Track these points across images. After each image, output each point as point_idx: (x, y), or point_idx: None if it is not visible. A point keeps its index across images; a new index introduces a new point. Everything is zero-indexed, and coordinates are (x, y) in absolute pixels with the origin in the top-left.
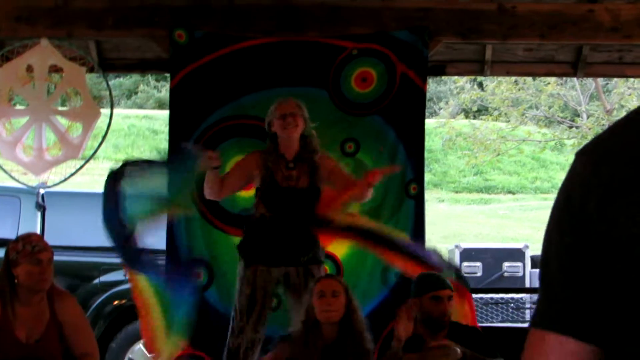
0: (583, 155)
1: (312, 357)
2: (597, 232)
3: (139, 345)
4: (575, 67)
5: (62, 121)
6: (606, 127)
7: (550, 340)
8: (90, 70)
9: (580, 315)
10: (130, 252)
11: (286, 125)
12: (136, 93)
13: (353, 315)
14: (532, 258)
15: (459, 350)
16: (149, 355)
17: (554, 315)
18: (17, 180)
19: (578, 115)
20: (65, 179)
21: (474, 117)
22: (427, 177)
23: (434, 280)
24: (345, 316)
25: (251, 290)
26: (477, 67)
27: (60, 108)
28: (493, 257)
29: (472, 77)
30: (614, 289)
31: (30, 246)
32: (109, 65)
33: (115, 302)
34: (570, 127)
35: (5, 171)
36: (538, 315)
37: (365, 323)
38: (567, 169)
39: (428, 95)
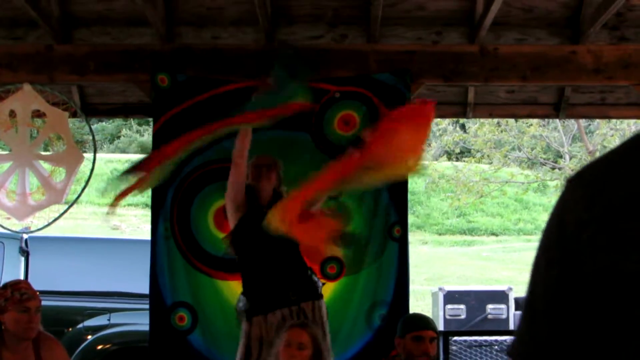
0: (577, 183)
1: None
2: (589, 264)
3: None
4: (557, 108)
5: (45, 166)
6: (597, 155)
7: None
8: (73, 115)
9: (564, 355)
10: None
11: (258, 174)
12: (119, 137)
13: None
14: (516, 300)
15: None
16: None
17: (535, 353)
18: (1, 226)
19: (561, 157)
20: (49, 224)
21: (457, 159)
22: (410, 219)
23: (417, 321)
24: None
25: (246, 344)
26: (459, 109)
27: (43, 153)
28: (477, 300)
29: (455, 119)
30: (602, 325)
31: (18, 293)
32: (91, 110)
33: (100, 347)
34: (553, 169)
35: None
36: (519, 348)
37: None
38: (550, 210)
39: None
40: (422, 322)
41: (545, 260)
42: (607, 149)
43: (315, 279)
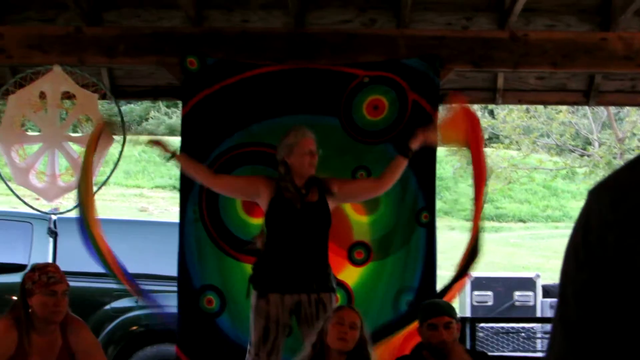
0: (602, 189)
1: None
2: (616, 266)
3: None
4: (587, 95)
5: (75, 147)
6: (618, 155)
7: None
8: (103, 97)
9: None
10: None
11: (311, 163)
12: (147, 119)
13: (364, 351)
14: (544, 287)
15: None
16: None
17: (572, 357)
18: (30, 206)
19: (590, 144)
20: (78, 205)
21: (485, 145)
22: (438, 205)
23: (430, 308)
24: (356, 349)
25: (265, 323)
26: (488, 95)
27: (72, 134)
28: (504, 286)
29: (484, 105)
30: (633, 331)
31: (45, 277)
32: (120, 92)
33: (127, 328)
34: (582, 156)
35: (18, 197)
36: (555, 352)
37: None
38: (578, 197)
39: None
40: (436, 308)
41: (573, 266)
42: (632, 144)
43: (333, 275)
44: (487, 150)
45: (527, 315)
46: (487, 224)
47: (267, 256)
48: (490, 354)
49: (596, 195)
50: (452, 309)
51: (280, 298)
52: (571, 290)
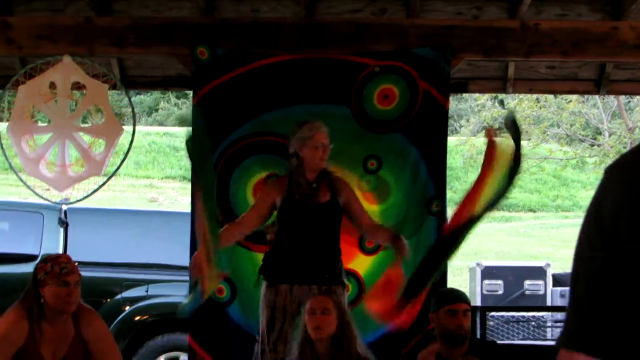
0: (614, 172)
1: None
2: (628, 250)
3: None
4: (598, 84)
5: (85, 138)
6: (628, 145)
7: None
8: (113, 87)
9: (610, 337)
10: None
11: (323, 157)
12: (157, 110)
13: (345, 332)
14: (554, 276)
15: None
16: None
17: (583, 337)
18: (40, 196)
19: (600, 133)
20: (88, 195)
21: (496, 135)
22: (448, 194)
23: (450, 295)
24: (336, 332)
25: (270, 312)
26: (499, 84)
27: (82, 125)
28: (514, 275)
29: (493, 95)
30: None
31: (58, 268)
32: (130, 83)
33: (137, 318)
34: (592, 145)
35: (28, 187)
36: (567, 335)
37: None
38: (588, 187)
39: (449, 113)
40: (455, 295)
41: (586, 248)
42: None
43: (344, 270)
44: (497, 140)
45: (537, 304)
46: (497, 213)
47: (278, 248)
48: (500, 342)
49: (610, 176)
50: (468, 299)
51: (289, 289)
52: (583, 270)
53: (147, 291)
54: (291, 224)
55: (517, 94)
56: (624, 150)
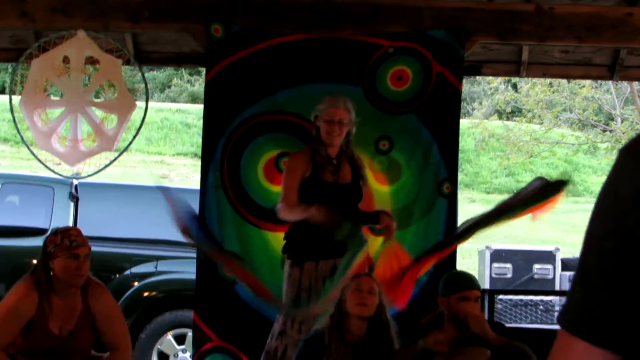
0: (631, 154)
1: (342, 350)
2: None
3: (169, 337)
4: (611, 70)
5: (98, 113)
6: None
7: (579, 349)
8: (126, 62)
9: (619, 328)
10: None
11: (331, 131)
12: (169, 87)
13: (383, 316)
14: (563, 261)
15: (488, 351)
16: (177, 347)
17: (590, 325)
18: (52, 170)
19: (612, 119)
20: (99, 170)
21: (508, 119)
22: (459, 177)
23: (462, 280)
24: (375, 315)
25: (296, 292)
26: (513, 68)
27: (95, 99)
28: (523, 259)
29: (506, 79)
30: None
31: (68, 240)
32: (144, 58)
33: (146, 294)
34: (604, 131)
35: (40, 161)
36: (572, 317)
37: (394, 324)
38: (600, 172)
39: (462, 95)
40: (468, 281)
41: (599, 231)
42: None
43: (365, 238)
44: (509, 124)
45: (546, 288)
46: (507, 197)
47: (300, 225)
48: (508, 325)
49: (625, 159)
50: (479, 284)
51: (314, 266)
52: (595, 255)
53: (156, 267)
54: (313, 197)
55: (530, 78)
56: None
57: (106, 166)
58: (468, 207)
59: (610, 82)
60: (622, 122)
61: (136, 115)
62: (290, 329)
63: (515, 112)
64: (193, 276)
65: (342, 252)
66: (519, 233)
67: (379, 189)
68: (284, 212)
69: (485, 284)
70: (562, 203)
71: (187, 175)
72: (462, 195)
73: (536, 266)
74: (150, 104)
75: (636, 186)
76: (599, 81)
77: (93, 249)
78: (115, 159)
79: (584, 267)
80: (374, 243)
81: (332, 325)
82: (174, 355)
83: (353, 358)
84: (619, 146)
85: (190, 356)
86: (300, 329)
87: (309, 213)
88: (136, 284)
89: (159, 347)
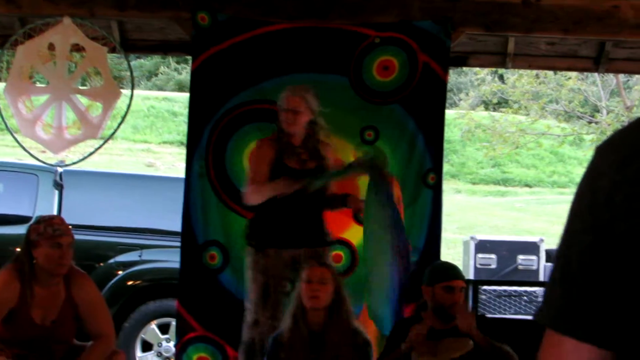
0: (608, 149)
1: (300, 344)
2: (623, 229)
3: (152, 326)
4: (597, 62)
5: (83, 100)
6: (626, 123)
7: (567, 346)
8: (112, 50)
9: (602, 322)
10: None
11: (284, 119)
12: (156, 75)
13: (341, 304)
14: (547, 252)
15: (471, 341)
16: (161, 336)
17: (573, 321)
18: (36, 158)
19: (598, 111)
20: (84, 158)
21: (494, 110)
22: (445, 167)
23: (447, 270)
24: (332, 304)
25: (265, 279)
26: (499, 59)
27: (80, 87)
28: (508, 250)
29: (493, 70)
30: (636, 292)
31: (51, 229)
32: (130, 46)
33: (130, 283)
34: (590, 123)
35: (24, 148)
36: (554, 314)
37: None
38: (585, 164)
39: (448, 86)
40: (453, 271)
41: (578, 226)
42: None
43: (327, 231)
44: (496, 115)
45: (530, 279)
46: (493, 188)
47: (264, 212)
48: (491, 316)
49: (603, 153)
50: (463, 274)
51: (277, 253)
52: (575, 250)
53: (140, 256)
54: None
55: (516, 70)
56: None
57: (91, 154)
58: (453, 198)
59: (596, 74)
60: (607, 114)
61: (122, 103)
62: (262, 316)
63: (501, 103)
64: (177, 265)
65: (305, 242)
66: (503, 224)
67: (364, 180)
68: (253, 194)
69: (470, 275)
70: (547, 194)
71: (173, 163)
72: (448, 186)
73: (520, 257)
74: (137, 91)
75: (613, 180)
76: (584, 73)
77: (77, 237)
78: (100, 146)
79: (563, 263)
80: (357, 234)
81: (293, 321)
82: (158, 345)
83: (311, 350)
84: (604, 138)
85: (174, 345)
86: (273, 315)
87: (278, 187)
88: (120, 272)
89: (143, 336)
